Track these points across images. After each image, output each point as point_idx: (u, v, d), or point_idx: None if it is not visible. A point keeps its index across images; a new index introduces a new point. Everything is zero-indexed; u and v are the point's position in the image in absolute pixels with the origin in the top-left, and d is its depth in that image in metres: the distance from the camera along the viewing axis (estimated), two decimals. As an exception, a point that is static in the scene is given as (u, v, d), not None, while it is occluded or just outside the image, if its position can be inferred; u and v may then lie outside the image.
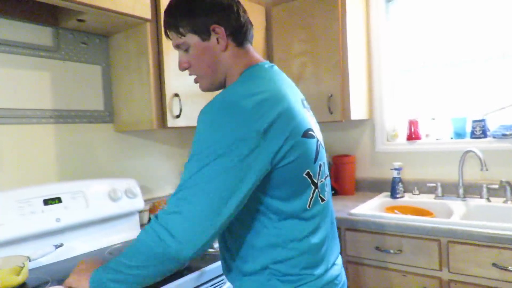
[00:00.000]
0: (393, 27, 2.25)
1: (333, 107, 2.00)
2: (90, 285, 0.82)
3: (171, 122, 1.57)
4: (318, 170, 0.90)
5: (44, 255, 1.26)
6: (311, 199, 0.87)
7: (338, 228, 1.74)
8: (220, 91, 0.85)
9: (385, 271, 1.64)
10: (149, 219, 1.77)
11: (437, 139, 2.10)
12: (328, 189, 0.96)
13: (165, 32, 0.94)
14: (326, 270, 0.89)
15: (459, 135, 2.04)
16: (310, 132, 0.87)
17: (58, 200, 1.36)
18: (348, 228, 1.73)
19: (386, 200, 2.02)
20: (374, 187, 2.27)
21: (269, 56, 2.22)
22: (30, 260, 1.17)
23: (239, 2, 0.93)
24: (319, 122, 1.08)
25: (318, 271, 0.87)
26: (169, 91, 1.57)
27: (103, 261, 0.90)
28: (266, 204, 0.84)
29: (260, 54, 2.09)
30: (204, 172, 0.75)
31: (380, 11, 2.22)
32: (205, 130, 0.78)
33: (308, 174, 0.86)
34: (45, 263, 1.31)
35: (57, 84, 1.56)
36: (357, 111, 2.07)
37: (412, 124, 2.14)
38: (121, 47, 1.67)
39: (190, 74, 0.96)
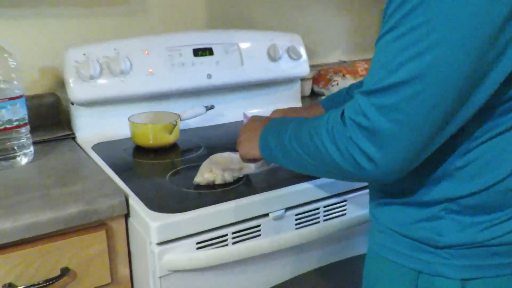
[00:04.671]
0: None
1: None
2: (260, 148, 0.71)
3: None
4: None
5: (195, 116, 1.17)
6: None
7: None
8: None
9: None
10: (312, 91, 1.50)
11: None
12: None
13: None
14: None
15: None
16: None
17: (209, 51, 1.18)
18: None
19: None
20: None
21: None
22: (181, 119, 1.09)
23: None
24: None
25: None
26: None
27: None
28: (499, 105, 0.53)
29: None
30: (423, 62, 0.46)
31: None
32: None
33: None
34: (194, 125, 1.22)
35: None
36: None
37: None
38: None
39: None
